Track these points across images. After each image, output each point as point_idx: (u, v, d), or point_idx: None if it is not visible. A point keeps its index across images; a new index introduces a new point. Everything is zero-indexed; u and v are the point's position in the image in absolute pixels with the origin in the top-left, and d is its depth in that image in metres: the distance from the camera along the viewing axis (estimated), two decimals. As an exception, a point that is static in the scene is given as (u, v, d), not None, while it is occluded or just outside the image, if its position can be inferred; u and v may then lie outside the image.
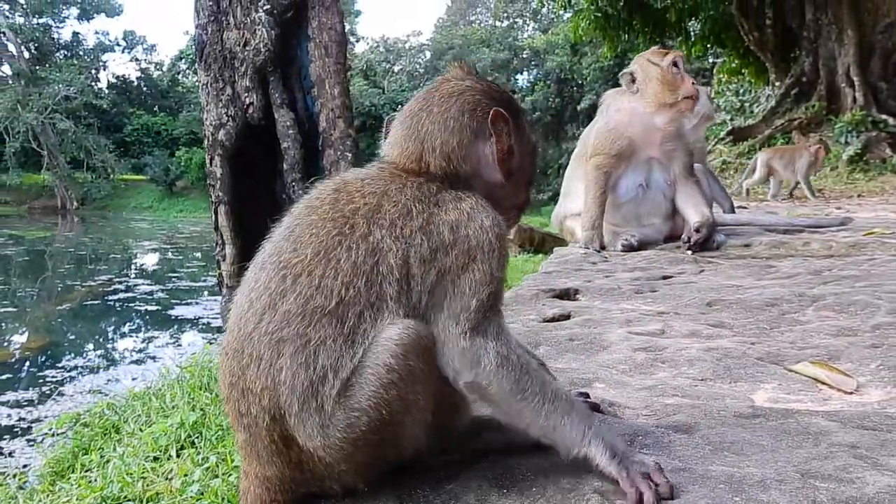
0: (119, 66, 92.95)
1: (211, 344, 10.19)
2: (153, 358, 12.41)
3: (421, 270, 1.39)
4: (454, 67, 1.69)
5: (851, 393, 2.05)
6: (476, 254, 1.40)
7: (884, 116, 18.00)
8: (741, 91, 26.06)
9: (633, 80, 5.18)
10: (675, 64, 5.20)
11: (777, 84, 21.92)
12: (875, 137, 17.43)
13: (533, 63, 54.47)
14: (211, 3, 8.04)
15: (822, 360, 2.31)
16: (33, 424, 8.19)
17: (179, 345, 13.75)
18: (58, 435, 6.31)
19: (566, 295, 3.68)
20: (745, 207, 9.50)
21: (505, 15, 62.54)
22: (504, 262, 1.47)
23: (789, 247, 5.13)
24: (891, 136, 17.38)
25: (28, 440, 7.56)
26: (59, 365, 12.25)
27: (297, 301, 1.34)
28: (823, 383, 2.12)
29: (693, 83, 5.23)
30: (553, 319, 3.06)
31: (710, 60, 31.31)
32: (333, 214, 1.42)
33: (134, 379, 9.45)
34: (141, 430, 5.39)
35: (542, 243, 13.98)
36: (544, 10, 46.46)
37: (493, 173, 1.55)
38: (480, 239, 1.40)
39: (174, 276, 22.94)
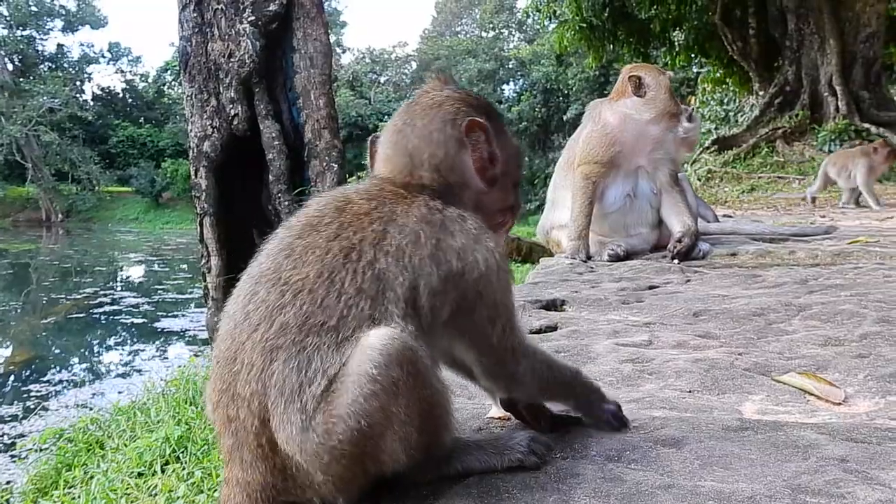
0: (104, 77, 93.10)
1: (197, 356, 10.12)
2: (139, 371, 12.34)
3: (431, 302, 1.41)
4: (432, 79, 1.71)
5: (839, 404, 2.04)
6: (483, 285, 1.45)
7: (866, 125, 18.16)
8: (725, 100, 26.27)
9: (640, 85, 5.17)
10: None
11: (761, 93, 22.09)
12: (858, 146, 17.57)
13: (519, 73, 54.64)
14: (195, 15, 8.01)
15: (809, 370, 2.30)
16: (17, 440, 8.11)
17: (166, 357, 13.69)
18: (41, 451, 6.25)
19: (553, 306, 3.66)
20: (730, 216, 9.53)
21: (490, 26, 62.74)
22: (509, 283, 1.54)
23: (775, 256, 5.14)
24: (873, 144, 17.54)
25: (11, 456, 7.48)
26: (44, 379, 12.16)
27: (297, 315, 1.33)
28: (811, 394, 2.11)
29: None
30: (539, 331, 3.04)
31: (695, 70, 31.53)
32: (340, 241, 1.41)
33: (119, 393, 9.39)
34: (125, 445, 5.35)
35: (530, 253, 14.00)
36: (530, 20, 46.64)
37: (476, 182, 1.58)
38: (488, 264, 1.45)
39: (160, 289, 22.85)
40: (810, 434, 1.66)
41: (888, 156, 11.63)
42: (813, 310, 3.14)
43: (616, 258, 5.23)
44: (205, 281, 8.34)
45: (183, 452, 4.73)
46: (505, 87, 56.77)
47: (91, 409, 8.19)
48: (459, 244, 1.44)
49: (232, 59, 7.94)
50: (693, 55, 25.35)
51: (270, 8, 7.95)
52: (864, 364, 2.33)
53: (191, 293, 20.42)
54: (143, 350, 14.76)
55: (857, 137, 17.65)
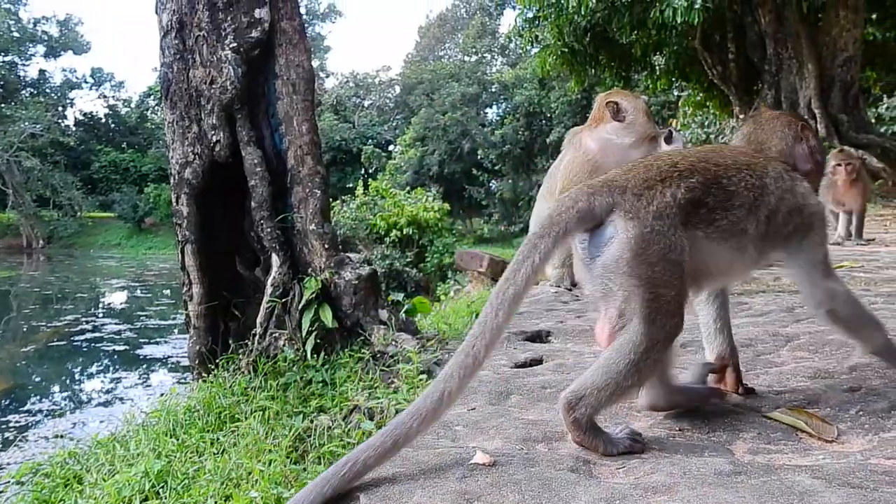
0: (86, 103, 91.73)
1: (180, 384, 9.97)
2: (121, 399, 12.14)
3: (782, 217, 2.10)
4: (763, 105, 2.90)
5: (832, 441, 2.00)
6: (815, 221, 2.19)
7: (845, 148, 18.32)
8: (706, 123, 26.44)
9: (619, 110, 5.17)
10: None
11: (741, 116, 22.23)
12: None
13: (502, 97, 54.87)
14: (177, 42, 7.96)
15: (800, 405, 2.26)
16: (-7, 474, 7.92)
17: (149, 385, 13.49)
18: (18, 485, 6.09)
19: (538, 337, 3.61)
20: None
21: (473, 50, 63.00)
22: (827, 233, 2.22)
23: (760, 282, 5.13)
24: (853, 166, 17.66)
25: (-13, 490, 7.29)
26: (23, 409, 11.94)
27: (712, 172, 2.03)
28: (803, 431, 2.07)
29: None
30: (525, 364, 2.99)
31: (675, 94, 31.78)
32: (745, 159, 2.14)
33: (101, 422, 9.22)
34: (104, 480, 5.20)
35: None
36: (512, 45, 47.02)
37: (805, 164, 2.32)
38: (818, 210, 2.21)
39: (143, 315, 22.59)
40: (805, 479, 1.61)
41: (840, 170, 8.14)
42: (801, 340, 3.11)
43: (601, 285, 5.18)
44: (186, 309, 8.20)
45: (163, 487, 4.61)
46: (488, 110, 56.94)
47: (72, 439, 8.01)
48: (803, 190, 2.19)
49: (214, 86, 7.88)
50: (674, 79, 25.57)
51: (252, 34, 7.90)
52: (856, 398, 2.30)
53: (174, 319, 20.18)
54: (125, 377, 14.54)
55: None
